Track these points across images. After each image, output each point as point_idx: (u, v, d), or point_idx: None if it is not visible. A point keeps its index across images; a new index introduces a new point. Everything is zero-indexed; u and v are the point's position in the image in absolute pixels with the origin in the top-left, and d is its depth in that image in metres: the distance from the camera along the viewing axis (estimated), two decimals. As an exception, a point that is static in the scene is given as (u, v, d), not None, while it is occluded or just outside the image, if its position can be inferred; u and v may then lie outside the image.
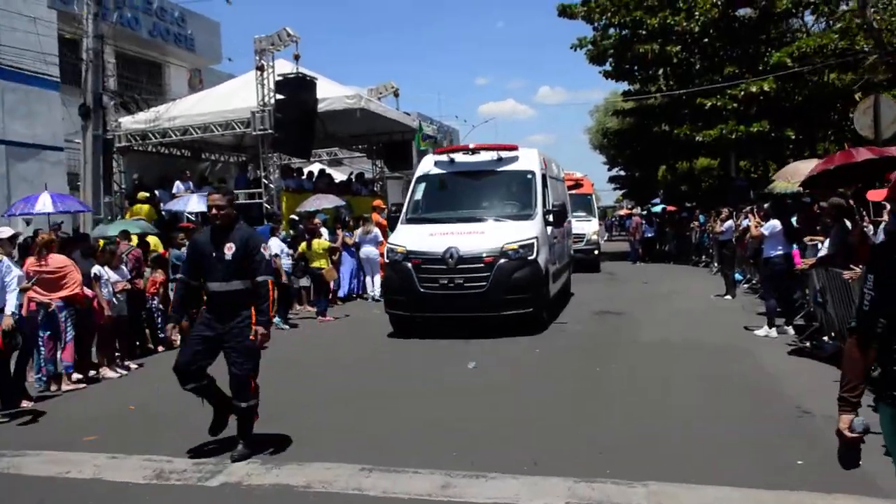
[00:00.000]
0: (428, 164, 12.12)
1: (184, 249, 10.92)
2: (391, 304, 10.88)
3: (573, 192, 21.78)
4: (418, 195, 11.91)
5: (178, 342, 10.22)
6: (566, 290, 14.39)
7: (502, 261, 10.12)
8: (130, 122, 18.95)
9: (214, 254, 5.47)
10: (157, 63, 26.64)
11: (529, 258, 10.31)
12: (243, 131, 17.59)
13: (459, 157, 11.71)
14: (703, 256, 23.05)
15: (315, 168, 24.83)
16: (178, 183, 18.38)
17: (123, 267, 9.60)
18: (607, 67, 26.08)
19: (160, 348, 10.89)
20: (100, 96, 15.56)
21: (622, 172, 46.29)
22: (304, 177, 21.50)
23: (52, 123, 18.08)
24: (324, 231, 15.03)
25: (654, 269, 22.81)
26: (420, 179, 12.06)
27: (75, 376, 8.66)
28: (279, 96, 16.10)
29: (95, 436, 6.20)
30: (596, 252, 21.57)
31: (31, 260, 7.98)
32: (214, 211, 5.54)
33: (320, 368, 9.19)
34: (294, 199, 17.88)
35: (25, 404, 7.43)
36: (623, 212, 56.88)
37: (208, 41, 27.79)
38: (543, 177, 11.61)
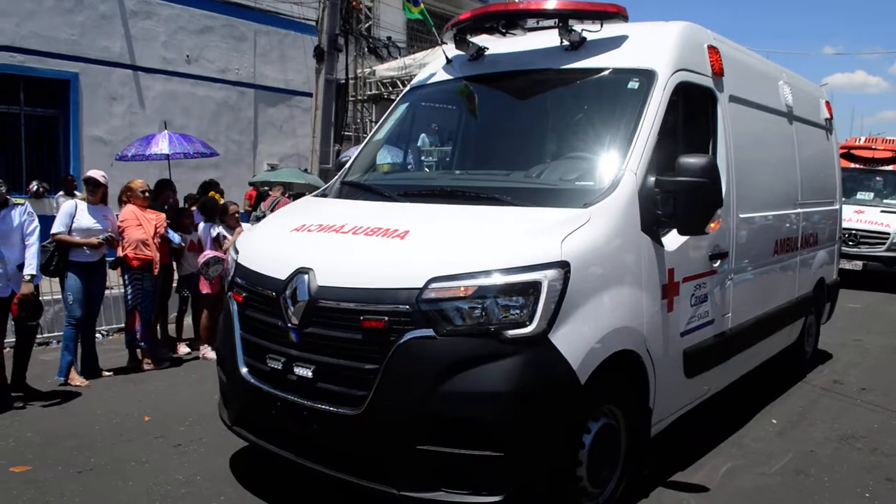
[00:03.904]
0: (435, 65, 5.47)
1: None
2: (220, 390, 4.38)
3: (891, 167, 14.40)
4: (387, 128, 5.39)
5: None
6: (798, 352, 6.86)
7: (416, 334, 3.25)
8: (384, 69, 17.95)
9: None
10: (449, 16, 25.47)
11: (521, 333, 3.24)
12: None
13: (495, 46, 5.07)
14: None
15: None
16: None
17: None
18: None
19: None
20: (335, 38, 14.55)
21: None
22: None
23: (305, 68, 17.59)
24: None
25: None
26: (408, 95, 5.50)
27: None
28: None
29: (31, 466, 4.54)
30: None
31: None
32: None
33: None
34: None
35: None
36: None
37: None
38: (685, 89, 4.45)
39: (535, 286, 3.24)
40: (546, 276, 3.26)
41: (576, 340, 3.36)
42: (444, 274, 3.25)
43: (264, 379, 3.72)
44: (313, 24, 16.98)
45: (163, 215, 7.11)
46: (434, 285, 3.23)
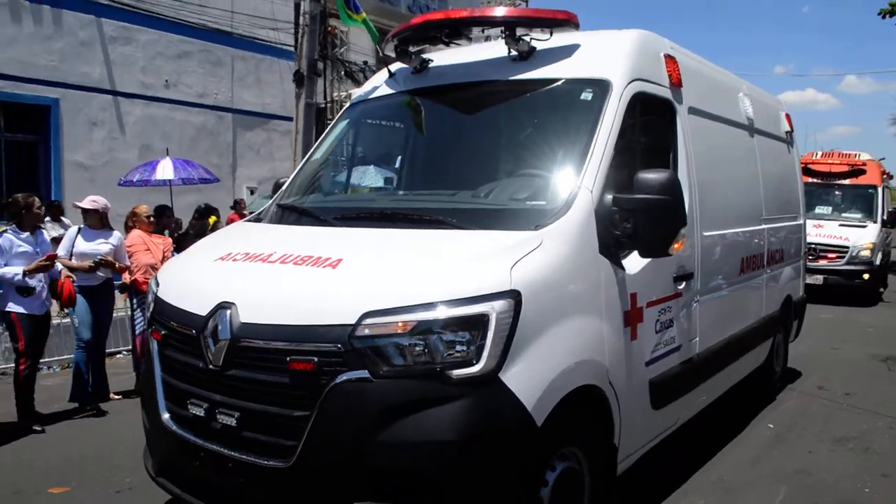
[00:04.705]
0: (378, 78, 5.06)
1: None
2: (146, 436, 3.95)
3: (848, 181, 14.82)
4: (326, 146, 5.03)
5: None
6: (768, 373, 6.71)
7: (350, 376, 2.87)
8: (359, 92, 18.22)
9: None
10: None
11: (468, 373, 2.87)
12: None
13: (440, 57, 4.78)
14: None
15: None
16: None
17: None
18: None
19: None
20: (314, 63, 14.81)
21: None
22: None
23: (282, 92, 17.78)
24: None
25: None
26: (349, 111, 5.12)
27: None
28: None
29: (68, 487, 4.64)
30: (866, 276, 13.73)
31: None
32: None
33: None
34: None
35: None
36: None
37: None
38: (642, 101, 4.11)
39: (482, 319, 2.86)
40: (494, 308, 2.88)
41: (530, 378, 2.98)
42: (379, 308, 2.87)
43: (187, 426, 3.32)
44: (290, 48, 17.20)
45: (169, 240, 7.24)
46: (369, 321, 2.85)
